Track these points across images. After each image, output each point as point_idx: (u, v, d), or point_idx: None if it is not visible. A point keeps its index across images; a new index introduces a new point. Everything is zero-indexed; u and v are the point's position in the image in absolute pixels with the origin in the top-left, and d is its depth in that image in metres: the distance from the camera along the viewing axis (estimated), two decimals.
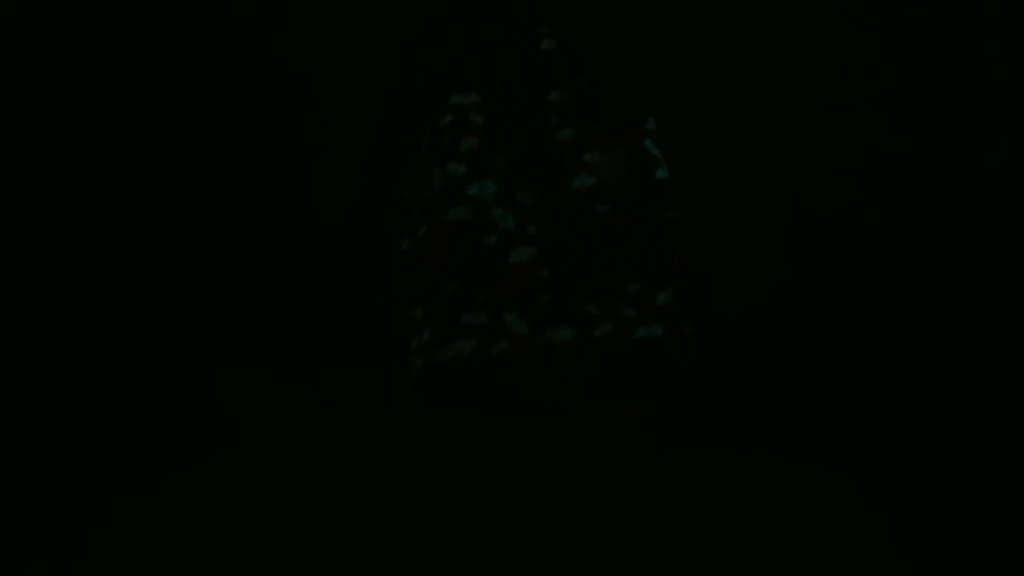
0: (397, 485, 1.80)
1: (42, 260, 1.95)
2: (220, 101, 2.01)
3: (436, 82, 1.97)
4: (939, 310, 1.84)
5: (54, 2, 1.99)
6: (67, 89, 2.01)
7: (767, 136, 1.92)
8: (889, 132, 1.90)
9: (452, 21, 1.94)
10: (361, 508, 1.78)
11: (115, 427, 1.88)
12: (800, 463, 1.77)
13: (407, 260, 1.71)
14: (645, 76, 1.93)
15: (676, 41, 1.93)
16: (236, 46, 2.01)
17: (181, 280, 1.95)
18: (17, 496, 1.82)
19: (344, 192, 1.97)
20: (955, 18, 1.90)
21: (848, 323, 1.85)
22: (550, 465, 1.81)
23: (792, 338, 1.85)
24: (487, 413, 1.79)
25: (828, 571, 1.65)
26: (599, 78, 1.67)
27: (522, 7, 1.94)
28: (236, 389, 1.90)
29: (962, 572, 1.64)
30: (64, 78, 2.01)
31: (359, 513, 1.78)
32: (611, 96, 1.68)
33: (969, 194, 1.88)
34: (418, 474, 1.80)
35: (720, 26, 1.95)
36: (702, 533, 1.70)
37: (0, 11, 1.98)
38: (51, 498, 1.82)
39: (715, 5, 1.93)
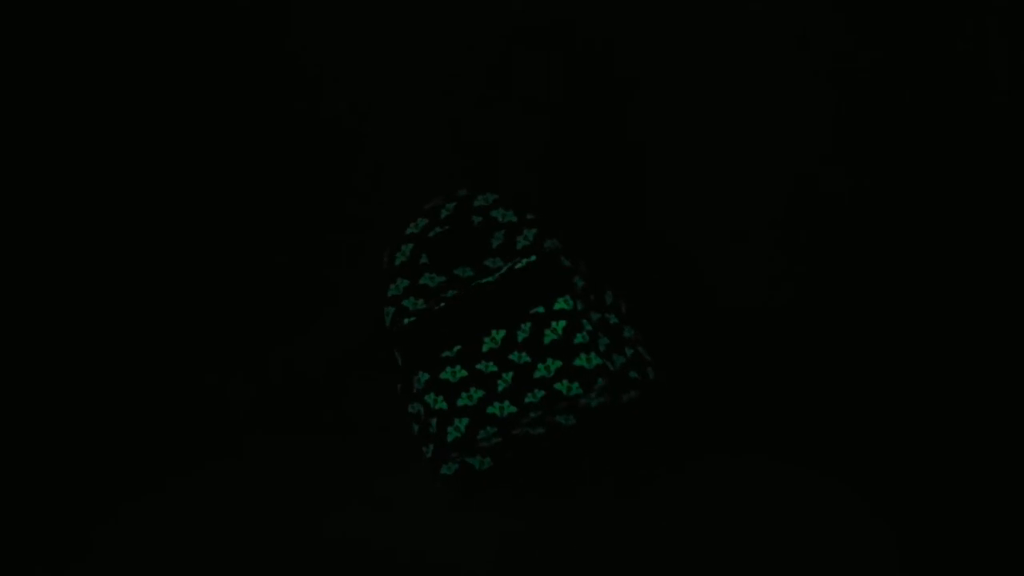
0: (397, 486, 1.80)
1: (42, 260, 1.95)
2: (222, 102, 2.01)
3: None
4: (941, 309, 1.84)
5: (54, 2, 1.99)
6: (66, 89, 2.01)
7: (767, 136, 1.92)
8: (888, 131, 1.91)
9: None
10: (361, 509, 1.78)
11: (114, 427, 1.87)
12: (803, 465, 1.77)
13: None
14: (642, 72, 1.93)
15: (674, 38, 1.93)
16: (241, 47, 2.01)
17: (182, 280, 1.95)
18: (17, 496, 1.82)
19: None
20: (955, 17, 1.90)
21: (849, 322, 1.85)
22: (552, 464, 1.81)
23: (792, 337, 1.85)
24: None
25: (832, 573, 1.65)
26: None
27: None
28: (236, 389, 1.90)
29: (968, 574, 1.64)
30: (62, 78, 2.01)
31: (359, 514, 1.77)
32: None
33: (969, 194, 1.88)
34: (417, 474, 1.80)
35: (719, 25, 1.95)
36: (704, 534, 1.70)
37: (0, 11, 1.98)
38: (51, 498, 1.82)
39: (715, 3, 1.93)
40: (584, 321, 1.70)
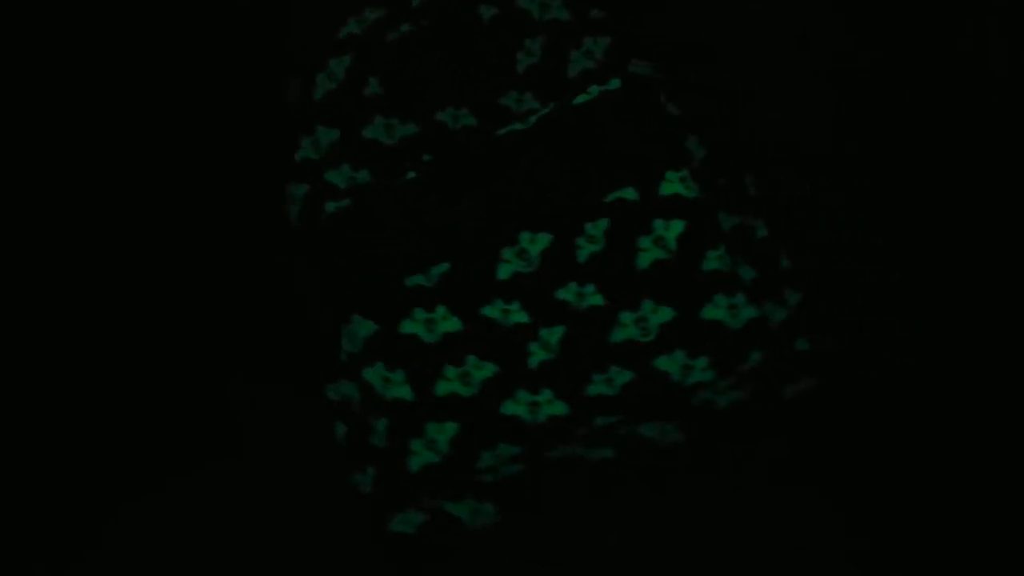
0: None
1: (41, 259, 1.95)
2: (221, 102, 2.02)
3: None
4: (939, 310, 1.84)
5: (54, 2, 1.99)
6: (65, 89, 2.01)
7: (766, 135, 1.92)
8: (888, 131, 1.91)
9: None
10: (361, 508, 1.78)
11: (115, 427, 1.88)
12: (783, 479, 1.77)
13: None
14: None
15: (673, 38, 1.93)
16: (242, 47, 2.02)
17: (182, 280, 1.95)
18: (17, 496, 1.83)
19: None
20: (955, 17, 1.90)
21: (848, 321, 1.85)
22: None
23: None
24: None
25: None
26: None
27: None
28: (237, 391, 1.90)
29: None
30: (61, 78, 2.01)
31: (359, 513, 1.78)
32: None
33: (969, 194, 1.88)
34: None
35: (719, 24, 1.95)
36: (685, 546, 1.71)
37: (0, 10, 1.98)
38: (51, 498, 1.82)
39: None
40: (716, 228, 0.80)
